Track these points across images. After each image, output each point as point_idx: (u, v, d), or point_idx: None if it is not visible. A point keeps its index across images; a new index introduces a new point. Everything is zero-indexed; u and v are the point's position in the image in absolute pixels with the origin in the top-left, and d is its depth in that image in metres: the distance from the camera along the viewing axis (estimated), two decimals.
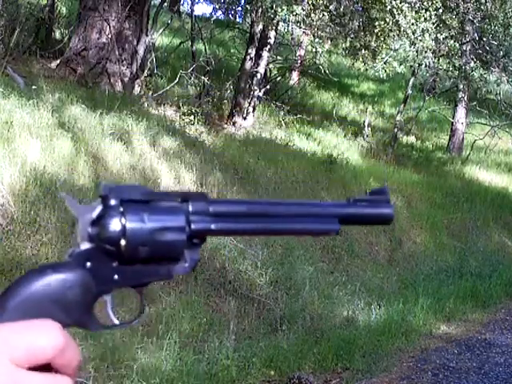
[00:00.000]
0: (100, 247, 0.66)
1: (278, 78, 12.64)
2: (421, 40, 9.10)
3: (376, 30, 9.12)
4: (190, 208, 0.70)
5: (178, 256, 0.70)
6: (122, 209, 0.66)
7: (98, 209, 0.67)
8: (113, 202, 0.67)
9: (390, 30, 9.04)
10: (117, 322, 0.71)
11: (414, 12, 8.84)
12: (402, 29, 8.85)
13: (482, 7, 11.25)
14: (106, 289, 0.68)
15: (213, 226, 0.71)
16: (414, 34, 9.02)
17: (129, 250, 0.66)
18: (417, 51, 9.83)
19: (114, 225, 0.66)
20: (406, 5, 8.71)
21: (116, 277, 0.67)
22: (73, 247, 0.68)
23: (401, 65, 11.55)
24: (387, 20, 8.89)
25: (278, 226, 0.75)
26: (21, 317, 0.61)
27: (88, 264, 0.66)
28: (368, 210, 0.81)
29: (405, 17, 8.69)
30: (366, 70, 11.28)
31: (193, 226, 0.70)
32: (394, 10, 8.67)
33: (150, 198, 0.69)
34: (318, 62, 10.12)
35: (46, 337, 0.58)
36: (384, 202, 0.82)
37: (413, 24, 8.78)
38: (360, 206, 0.81)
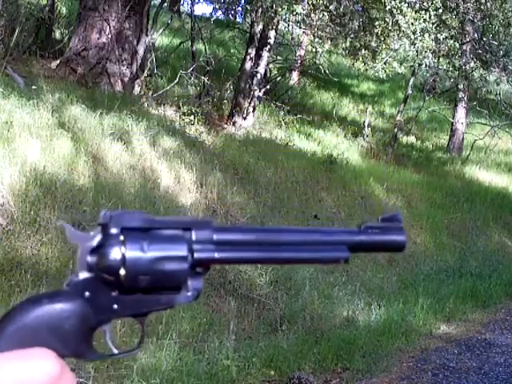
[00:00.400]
0: (99, 276, 0.65)
1: (278, 78, 12.63)
2: (421, 40, 9.10)
3: (376, 30, 9.12)
4: (194, 236, 0.69)
5: (179, 285, 0.68)
6: (122, 237, 0.65)
7: (98, 237, 0.66)
8: (113, 230, 0.66)
9: (390, 30, 9.03)
10: (116, 351, 0.70)
11: (413, 12, 8.84)
12: (402, 29, 8.85)
13: (482, 7, 11.25)
14: (104, 319, 0.67)
15: (217, 255, 0.69)
16: (413, 34, 9.02)
17: (128, 280, 0.65)
18: (417, 51, 9.84)
19: (114, 254, 0.65)
20: (406, 5, 8.71)
21: (115, 306, 0.66)
22: (71, 276, 0.66)
23: (401, 65, 11.54)
24: (387, 20, 8.89)
25: (285, 255, 0.73)
26: (17, 346, 0.60)
27: (86, 293, 0.65)
28: (380, 238, 0.79)
29: (404, 17, 8.69)
30: (366, 69, 11.28)
31: (196, 255, 0.68)
32: (394, 10, 8.66)
33: (152, 225, 0.67)
34: (318, 62, 10.12)
35: (41, 365, 0.58)
36: (396, 229, 0.80)
37: (412, 24, 8.78)
38: (371, 233, 0.78)
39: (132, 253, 0.65)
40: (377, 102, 16.23)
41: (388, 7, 8.67)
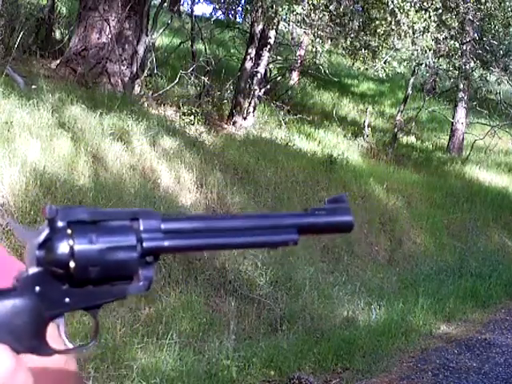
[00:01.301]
0: (49, 270, 0.64)
1: (278, 78, 12.63)
2: (423, 39, 9.10)
3: (378, 30, 9.12)
4: (141, 226, 0.68)
5: (130, 275, 0.68)
6: (69, 230, 0.65)
7: (45, 232, 0.65)
8: (60, 224, 0.65)
9: (392, 30, 9.03)
10: (70, 345, 0.68)
11: (415, 11, 8.84)
12: (404, 28, 8.84)
13: (482, 7, 11.25)
14: (57, 313, 0.66)
15: (166, 243, 0.69)
16: (414, 33, 9.02)
17: (78, 272, 0.64)
18: (420, 50, 9.82)
19: (62, 247, 0.64)
20: (408, 4, 8.70)
21: (67, 300, 0.66)
22: (20, 272, 0.66)
23: (401, 64, 11.55)
24: (389, 19, 8.89)
25: (234, 240, 0.73)
26: None
27: (37, 288, 0.64)
28: (327, 219, 0.79)
29: (407, 16, 8.69)
30: (366, 69, 11.29)
31: (144, 244, 0.68)
32: (396, 10, 8.66)
33: (99, 218, 0.67)
34: (318, 61, 10.12)
35: None
36: (343, 210, 0.80)
37: (415, 23, 8.78)
38: (319, 215, 0.79)
39: (80, 245, 0.65)
40: (377, 102, 16.23)
41: (391, 7, 8.67)
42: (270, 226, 0.75)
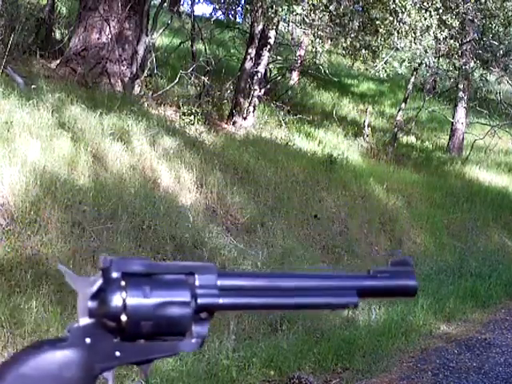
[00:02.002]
0: (100, 322, 0.63)
1: (278, 78, 12.63)
2: (425, 38, 9.10)
3: (381, 30, 9.11)
4: (197, 281, 0.67)
5: (183, 332, 0.66)
6: (123, 282, 0.64)
7: (99, 282, 0.64)
8: (114, 274, 0.64)
9: (394, 29, 9.02)
10: None
11: (416, 11, 8.84)
12: (407, 27, 8.84)
13: (483, 7, 11.25)
14: (106, 366, 0.65)
15: (221, 301, 0.67)
16: (414, 33, 9.02)
17: (130, 326, 0.63)
18: (420, 50, 9.82)
19: (115, 299, 0.63)
20: (410, 2, 8.70)
21: (118, 353, 0.64)
22: (72, 322, 0.65)
23: (401, 64, 11.54)
24: (391, 19, 8.88)
25: (293, 301, 0.71)
26: None
27: (88, 340, 0.63)
28: (390, 282, 0.76)
29: (409, 16, 8.69)
30: (366, 69, 11.29)
31: (199, 301, 0.66)
32: (398, 9, 8.66)
33: (154, 270, 0.66)
34: (318, 61, 10.12)
35: None
36: (407, 273, 0.77)
37: (417, 22, 8.78)
38: (381, 278, 0.76)
39: (133, 298, 0.63)
40: (377, 102, 16.23)
41: (393, 6, 8.66)
42: (330, 288, 0.73)
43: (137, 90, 8.79)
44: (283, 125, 10.89)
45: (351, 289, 0.73)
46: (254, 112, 10.32)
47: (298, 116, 11.32)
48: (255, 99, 10.17)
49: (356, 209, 8.47)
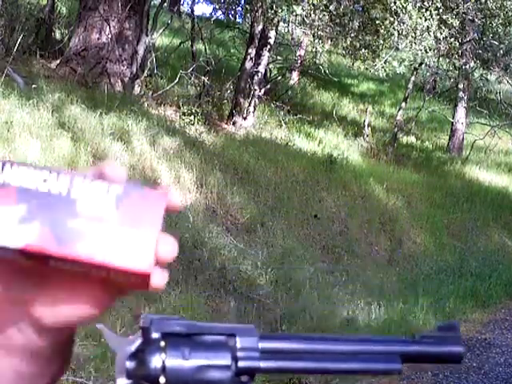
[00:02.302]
0: None
1: (278, 78, 12.63)
2: (425, 38, 9.10)
3: (382, 31, 9.11)
4: (238, 344, 0.65)
5: None
6: (163, 343, 0.62)
7: (138, 342, 0.63)
8: (154, 335, 0.62)
9: (395, 29, 9.02)
10: None
11: (417, 11, 8.84)
12: (407, 28, 8.84)
13: (483, 6, 11.25)
14: None
15: (262, 364, 0.65)
16: (415, 33, 9.02)
17: None
18: (424, 50, 9.81)
19: (154, 360, 0.61)
20: (411, 1, 8.70)
21: None
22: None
23: (401, 64, 11.54)
24: (391, 19, 8.88)
25: (334, 366, 0.70)
26: None
27: None
28: (435, 348, 0.74)
29: (410, 17, 8.69)
30: (366, 69, 11.28)
31: (240, 364, 0.64)
32: (399, 10, 8.65)
33: (194, 331, 0.64)
34: (318, 61, 10.12)
35: None
36: (454, 339, 0.76)
37: (417, 23, 8.78)
38: (427, 343, 0.74)
39: (173, 360, 0.62)
40: (377, 102, 16.23)
41: (392, 6, 8.66)
42: (373, 352, 0.71)
43: (137, 89, 8.79)
44: (283, 125, 10.89)
45: (395, 354, 0.72)
46: (254, 112, 10.32)
47: (298, 116, 11.33)
48: (255, 99, 10.17)
49: (356, 209, 8.47)
